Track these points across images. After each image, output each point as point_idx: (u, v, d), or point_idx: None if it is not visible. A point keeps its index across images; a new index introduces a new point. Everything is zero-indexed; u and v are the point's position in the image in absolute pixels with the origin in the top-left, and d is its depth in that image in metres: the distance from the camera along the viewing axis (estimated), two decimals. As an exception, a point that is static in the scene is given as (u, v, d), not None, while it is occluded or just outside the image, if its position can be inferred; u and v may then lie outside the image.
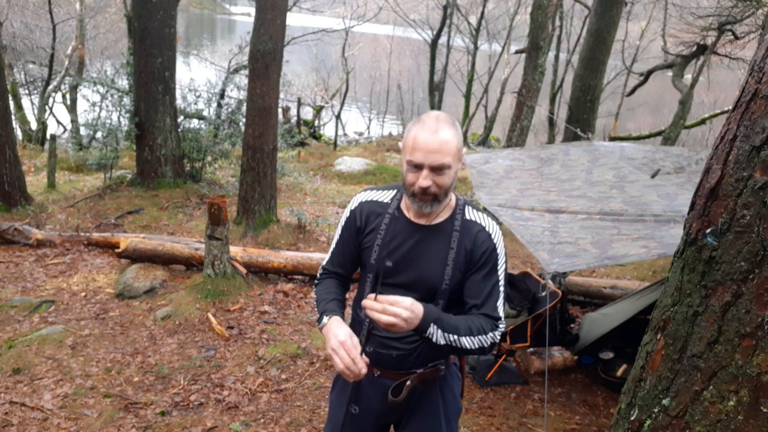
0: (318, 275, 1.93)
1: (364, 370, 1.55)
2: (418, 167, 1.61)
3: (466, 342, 1.63)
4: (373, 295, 1.52)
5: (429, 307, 1.58)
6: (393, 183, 1.89)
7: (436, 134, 1.59)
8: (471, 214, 1.76)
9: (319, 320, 1.73)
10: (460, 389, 1.92)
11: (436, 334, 1.57)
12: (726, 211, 1.44)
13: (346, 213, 1.85)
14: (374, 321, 1.52)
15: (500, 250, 1.74)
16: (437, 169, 1.60)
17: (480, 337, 1.65)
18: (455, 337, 1.61)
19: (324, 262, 1.91)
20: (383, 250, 1.74)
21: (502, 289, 1.75)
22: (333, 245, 1.89)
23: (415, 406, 1.83)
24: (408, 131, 1.66)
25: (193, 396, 3.61)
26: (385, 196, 1.82)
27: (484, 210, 1.82)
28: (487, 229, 1.74)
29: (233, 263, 5.25)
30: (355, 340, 1.60)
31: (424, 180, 1.60)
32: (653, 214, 3.59)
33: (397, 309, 1.49)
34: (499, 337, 1.71)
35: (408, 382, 1.75)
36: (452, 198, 1.77)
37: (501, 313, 1.73)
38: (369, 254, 1.76)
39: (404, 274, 1.72)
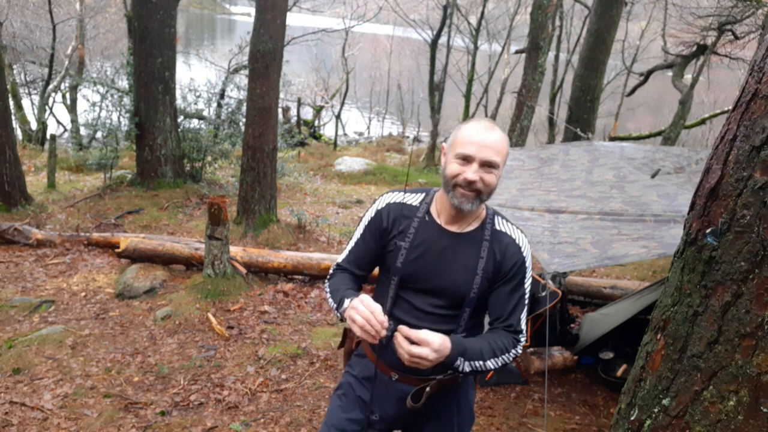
0: (331, 270, 1.88)
1: (386, 325, 1.52)
2: (467, 160, 1.59)
3: (491, 364, 1.65)
4: (403, 328, 1.53)
5: (456, 341, 1.58)
6: (421, 187, 1.86)
7: (491, 131, 1.61)
8: (501, 224, 1.75)
9: (339, 305, 1.68)
10: (473, 397, 1.92)
11: (463, 365, 1.59)
12: (726, 211, 1.44)
13: (371, 212, 1.81)
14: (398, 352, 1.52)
15: (528, 263, 1.74)
16: (487, 165, 1.59)
17: (503, 356, 1.67)
18: (480, 363, 1.62)
19: (340, 259, 1.87)
20: (411, 254, 1.70)
21: (527, 301, 1.75)
22: (352, 243, 1.85)
23: (429, 412, 1.80)
24: (458, 129, 1.67)
25: (193, 396, 3.61)
26: (414, 199, 1.78)
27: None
28: (517, 241, 1.73)
29: (233, 263, 5.25)
30: (376, 304, 1.57)
31: (473, 173, 1.59)
32: (653, 214, 3.59)
33: (424, 351, 1.50)
34: (520, 351, 1.72)
35: (428, 389, 1.72)
36: (483, 207, 1.75)
37: (524, 326, 1.74)
38: (395, 257, 1.72)
39: (431, 280, 1.70)
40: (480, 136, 1.60)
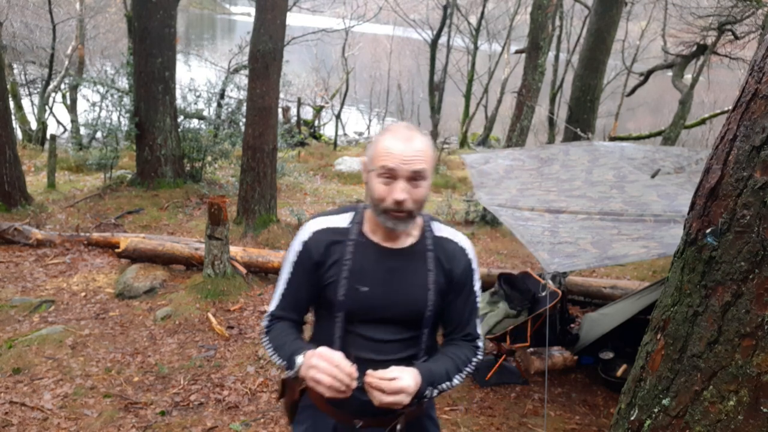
0: (264, 325, 1.64)
1: (355, 375, 1.37)
2: (391, 177, 1.43)
3: (456, 380, 1.57)
4: (373, 372, 1.39)
5: (424, 372, 1.47)
6: (345, 205, 1.70)
7: (411, 140, 1.45)
8: (440, 229, 1.63)
9: (291, 365, 1.48)
10: (436, 414, 1.81)
11: (432, 393, 1.49)
12: (726, 211, 1.44)
13: (296, 247, 1.59)
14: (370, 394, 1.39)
15: (475, 265, 1.65)
16: (413, 179, 1.44)
17: (467, 368, 1.60)
18: (448, 383, 1.53)
19: (271, 307, 1.64)
20: (352, 283, 1.52)
21: (479, 303, 1.68)
22: (281, 287, 1.62)
23: None
24: (374, 143, 1.50)
25: (193, 396, 3.61)
26: (341, 220, 1.60)
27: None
28: (461, 244, 1.63)
29: (233, 263, 5.25)
30: (337, 352, 1.41)
31: (399, 193, 1.42)
32: (653, 214, 3.59)
33: (400, 397, 1.38)
34: (481, 357, 1.65)
35: (399, 426, 1.59)
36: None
37: (480, 331, 1.67)
38: (334, 291, 1.53)
39: (382, 307, 1.53)
40: (400, 148, 1.43)
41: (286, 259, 1.62)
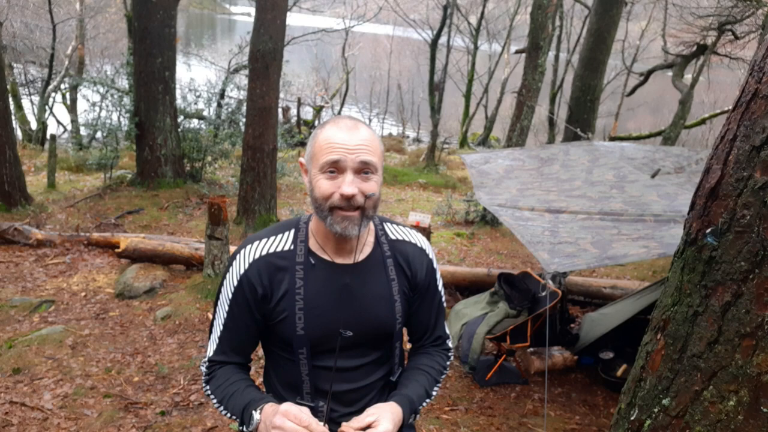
0: (203, 369, 1.43)
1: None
2: (336, 170, 1.26)
3: (434, 392, 1.51)
4: (348, 425, 1.25)
5: (404, 402, 1.36)
6: (281, 222, 1.47)
7: (355, 129, 1.29)
8: (394, 231, 1.47)
9: (247, 421, 1.28)
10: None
11: (414, 418, 1.42)
12: (726, 211, 1.44)
13: (232, 280, 1.36)
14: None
15: (436, 264, 1.52)
16: (361, 171, 1.26)
17: (441, 376, 1.53)
18: (427, 401, 1.47)
19: (209, 353, 1.42)
20: (310, 314, 1.33)
21: (444, 303, 1.57)
22: (219, 328, 1.40)
23: None
24: (314, 136, 1.32)
25: (193, 396, 3.61)
26: (283, 242, 1.38)
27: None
28: (418, 245, 1.48)
29: (233, 263, 5.25)
30: (304, 410, 1.24)
31: (347, 186, 1.24)
32: (653, 214, 3.59)
33: None
34: (452, 358, 1.59)
35: None
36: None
37: (448, 330, 1.59)
38: (291, 326, 1.33)
39: (349, 332, 1.34)
40: (343, 137, 1.26)
41: (220, 297, 1.40)
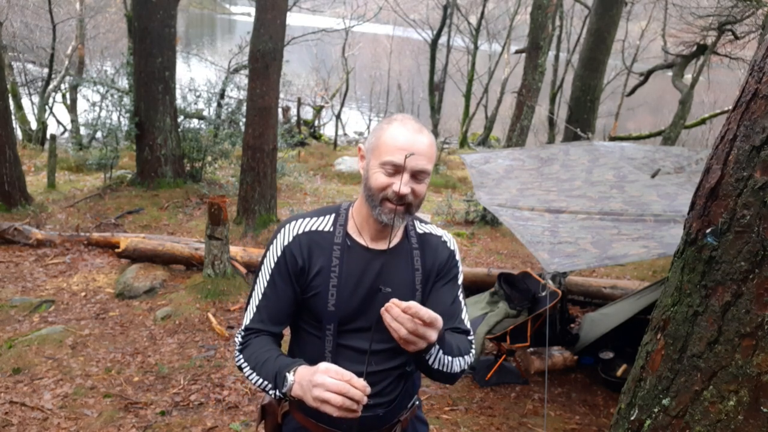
0: (240, 340, 1.48)
1: (368, 391, 1.21)
2: (396, 169, 1.35)
3: (456, 365, 1.42)
4: (395, 304, 1.23)
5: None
6: (325, 207, 1.57)
7: (421, 134, 1.37)
8: (422, 226, 1.57)
9: (279, 384, 1.32)
10: (423, 413, 1.74)
11: (435, 356, 1.36)
12: (726, 211, 1.44)
13: (275, 250, 1.46)
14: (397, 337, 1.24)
15: (458, 255, 1.59)
16: (417, 176, 1.37)
17: (465, 358, 1.46)
18: (449, 359, 1.40)
19: (246, 321, 1.49)
20: (343, 292, 1.42)
21: (463, 299, 1.58)
22: (258, 296, 1.48)
23: None
24: (381, 130, 1.40)
25: (193, 396, 3.61)
26: (324, 223, 1.48)
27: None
28: (443, 238, 1.57)
29: (233, 263, 5.25)
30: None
31: (404, 186, 1.34)
32: (653, 214, 3.59)
33: (430, 332, 1.23)
34: (473, 354, 1.54)
35: None
36: None
37: (469, 325, 1.57)
38: (323, 301, 1.42)
39: (370, 313, 1.42)
40: (409, 141, 1.35)
41: (262, 268, 1.48)
